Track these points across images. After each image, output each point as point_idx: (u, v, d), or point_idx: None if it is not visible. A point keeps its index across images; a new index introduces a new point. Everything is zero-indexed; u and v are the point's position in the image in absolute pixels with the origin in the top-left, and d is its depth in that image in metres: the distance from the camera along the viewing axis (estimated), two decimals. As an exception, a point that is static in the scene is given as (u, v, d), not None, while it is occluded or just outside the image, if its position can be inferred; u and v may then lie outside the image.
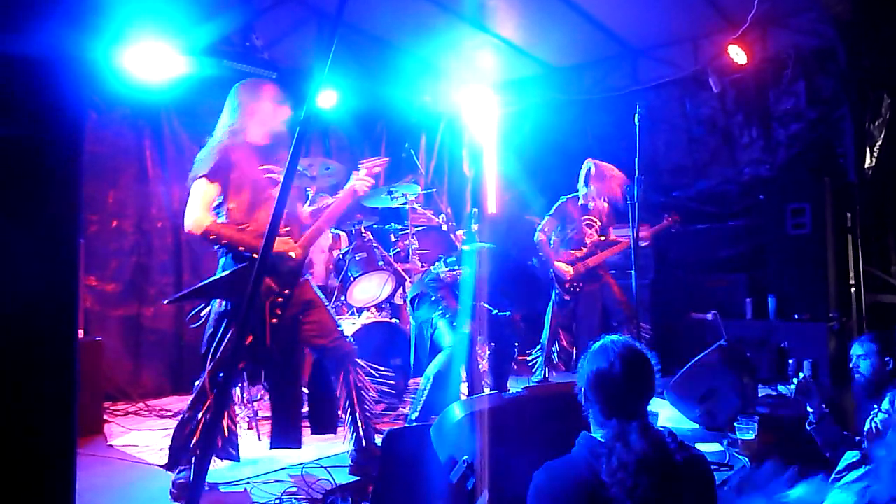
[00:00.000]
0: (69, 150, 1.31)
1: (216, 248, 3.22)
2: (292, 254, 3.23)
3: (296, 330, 3.31)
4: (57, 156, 1.29)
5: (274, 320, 3.20)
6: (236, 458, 3.24)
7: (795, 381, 3.19)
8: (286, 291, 3.23)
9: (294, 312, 3.30)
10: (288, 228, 3.30)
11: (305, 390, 3.64)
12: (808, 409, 3.18)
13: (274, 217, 1.54)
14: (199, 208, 3.08)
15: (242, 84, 3.36)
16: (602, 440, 1.81)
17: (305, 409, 3.60)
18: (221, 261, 3.22)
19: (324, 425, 3.50)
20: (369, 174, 3.52)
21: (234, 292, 3.10)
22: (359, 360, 3.50)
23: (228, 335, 3.10)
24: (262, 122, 3.30)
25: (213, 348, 3.15)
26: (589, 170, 5.35)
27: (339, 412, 3.47)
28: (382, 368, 3.87)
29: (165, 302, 3.57)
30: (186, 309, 5.49)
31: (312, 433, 3.50)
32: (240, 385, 4.40)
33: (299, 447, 3.37)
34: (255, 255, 3.07)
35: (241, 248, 3.09)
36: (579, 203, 5.37)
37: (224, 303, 3.17)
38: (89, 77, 4.46)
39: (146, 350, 5.53)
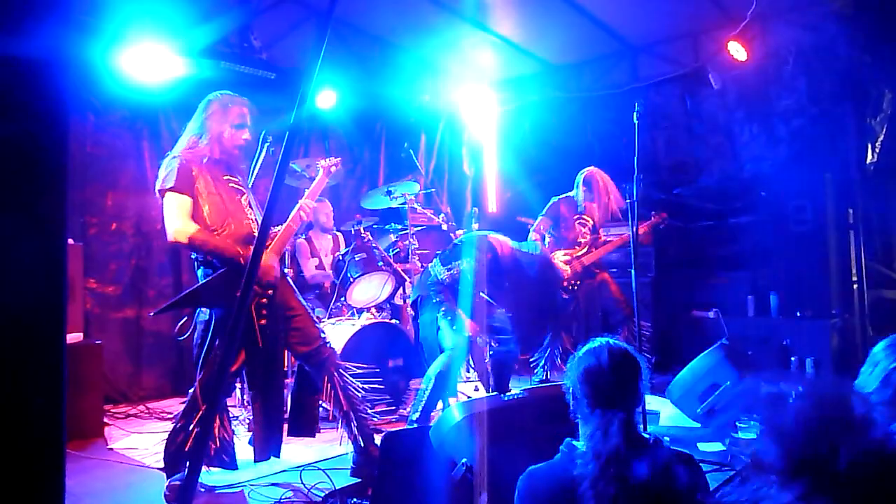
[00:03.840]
0: (56, 148, 1.31)
1: (194, 257, 3.28)
2: (275, 271, 3.27)
3: (279, 334, 3.33)
4: (44, 154, 1.29)
5: (262, 321, 3.22)
6: (232, 467, 3.25)
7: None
8: (269, 291, 3.26)
9: (277, 315, 3.31)
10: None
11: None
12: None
13: (262, 226, 1.52)
14: (179, 218, 3.13)
15: (212, 100, 3.38)
16: (583, 449, 1.81)
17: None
18: (199, 271, 3.27)
19: (302, 427, 3.50)
20: (326, 173, 3.63)
21: (216, 298, 3.13)
22: (341, 363, 3.52)
23: (215, 343, 3.13)
24: (221, 142, 3.32)
25: (201, 357, 3.18)
26: (586, 178, 5.35)
27: (331, 417, 3.50)
28: (365, 366, 3.87)
29: (151, 314, 3.56)
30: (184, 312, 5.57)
31: (289, 434, 3.48)
32: (238, 387, 4.41)
33: (278, 456, 3.39)
34: (240, 261, 3.13)
35: (226, 255, 3.13)
36: (572, 202, 5.38)
37: (208, 311, 3.20)
38: (85, 79, 4.48)
39: (146, 352, 5.52)
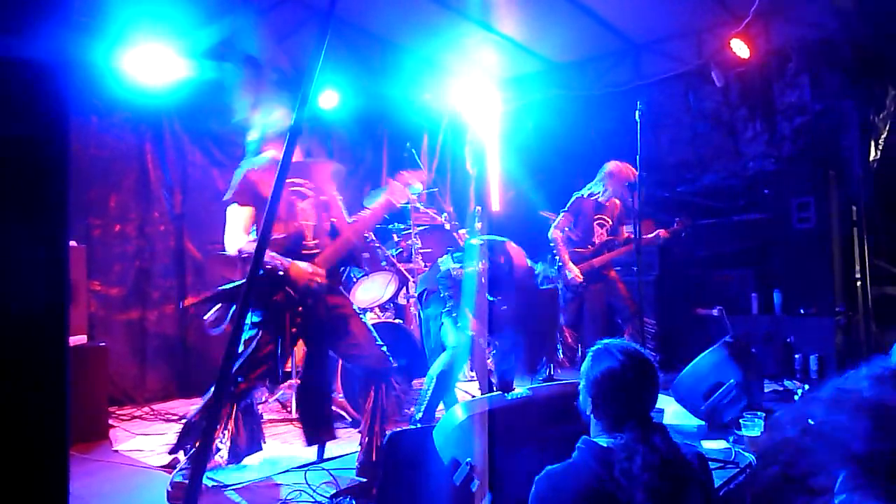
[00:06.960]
0: (57, 149, 1.31)
1: None
2: (317, 279, 3.23)
3: (325, 336, 3.33)
4: (44, 155, 1.29)
5: (294, 329, 3.22)
6: (258, 448, 3.39)
7: (800, 391, 3.13)
8: (308, 301, 3.23)
9: (325, 317, 3.31)
10: (316, 241, 3.33)
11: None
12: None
13: (265, 225, 1.53)
14: (236, 232, 3.20)
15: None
16: (607, 446, 1.79)
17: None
18: None
19: (318, 434, 3.46)
20: (406, 184, 3.58)
21: (256, 300, 3.13)
22: (395, 379, 3.50)
23: (257, 341, 3.15)
24: (281, 140, 3.31)
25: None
26: (610, 170, 5.27)
27: (361, 423, 3.46)
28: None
29: (183, 304, 3.50)
30: (191, 312, 5.58)
31: (308, 444, 3.46)
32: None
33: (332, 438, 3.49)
34: (278, 273, 3.14)
35: (264, 266, 3.09)
36: (594, 200, 5.32)
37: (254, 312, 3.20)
38: (88, 81, 4.47)
39: (151, 354, 5.53)
